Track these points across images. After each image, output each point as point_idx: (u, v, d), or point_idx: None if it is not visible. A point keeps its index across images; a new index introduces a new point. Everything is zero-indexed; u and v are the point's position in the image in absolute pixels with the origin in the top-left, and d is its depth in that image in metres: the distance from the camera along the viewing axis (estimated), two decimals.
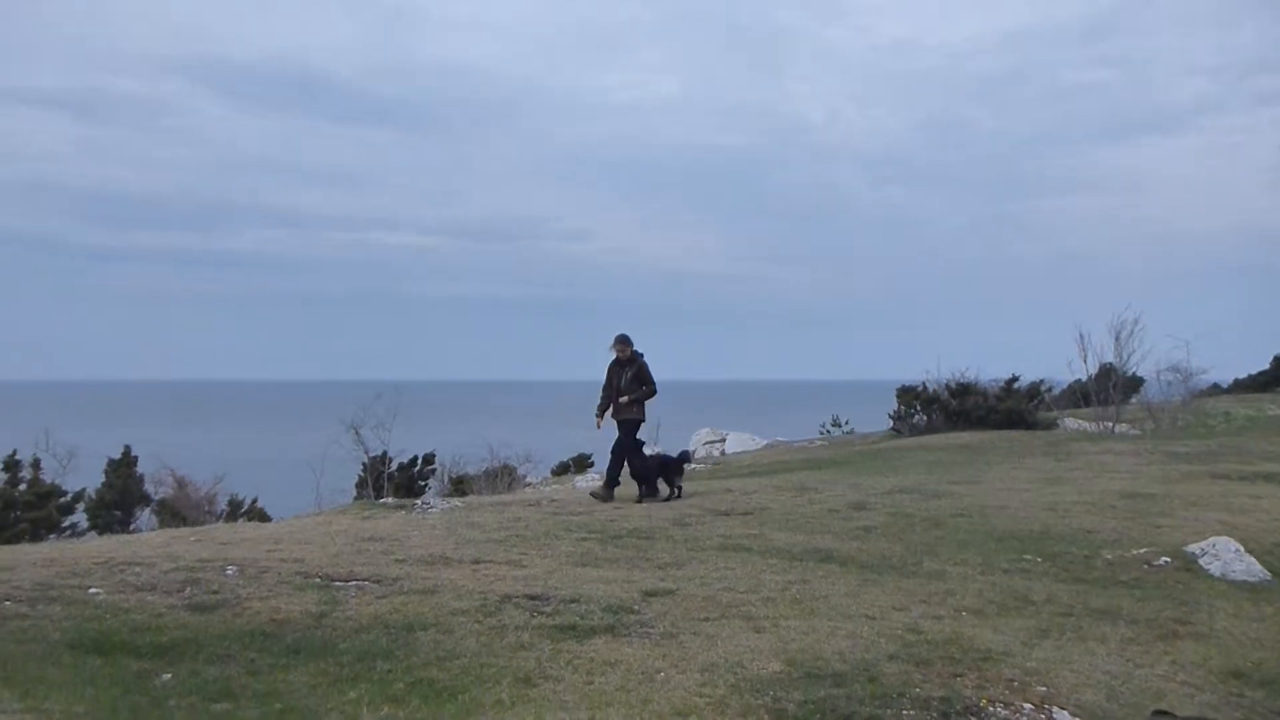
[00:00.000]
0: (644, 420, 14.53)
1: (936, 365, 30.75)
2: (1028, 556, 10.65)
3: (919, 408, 29.74)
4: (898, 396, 30.46)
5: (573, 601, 7.89)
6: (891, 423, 30.46)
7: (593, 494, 14.56)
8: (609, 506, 13.28)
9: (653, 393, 14.42)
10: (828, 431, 37.14)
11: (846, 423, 37.71)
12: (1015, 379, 30.47)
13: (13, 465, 20.86)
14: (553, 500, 14.46)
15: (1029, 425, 27.85)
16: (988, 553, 10.77)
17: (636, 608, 7.87)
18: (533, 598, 7.96)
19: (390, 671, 6.40)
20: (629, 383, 14.29)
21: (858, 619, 7.88)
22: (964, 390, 29.11)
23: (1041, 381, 31.22)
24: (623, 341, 14.47)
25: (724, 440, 33.55)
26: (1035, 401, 30.00)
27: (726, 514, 12.74)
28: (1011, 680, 6.63)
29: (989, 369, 31.24)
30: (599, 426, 14.64)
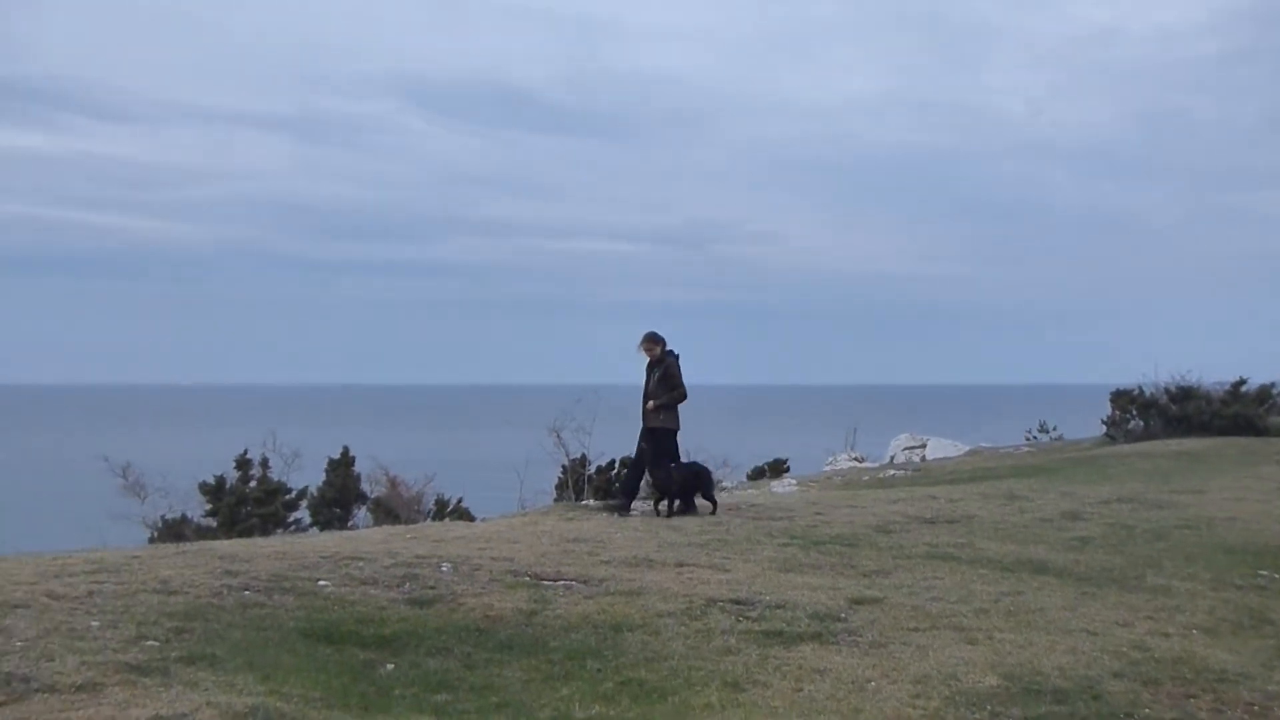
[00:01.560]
0: (676, 429, 12.94)
1: (1153, 368, 29.10)
2: (1263, 572, 9.97)
3: (1135, 413, 28.24)
4: (1112, 401, 28.99)
5: (778, 607, 7.84)
6: (1105, 428, 29.03)
7: (606, 507, 13.29)
8: (810, 512, 13.13)
9: (682, 397, 12.81)
10: (1035, 437, 35.70)
11: (1055, 428, 36.16)
12: (1243, 382, 28.54)
13: (244, 464, 22.25)
14: (751, 505, 14.40)
15: (1259, 431, 26.05)
16: (1218, 567, 10.13)
17: (843, 615, 7.75)
18: (738, 602, 7.94)
19: (600, 670, 6.51)
20: (656, 386, 12.74)
21: (1078, 634, 7.54)
22: (1185, 394, 27.46)
23: (1273, 385, 29.13)
24: (651, 340, 12.93)
25: (924, 446, 32.71)
26: (1266, 406, 28.02)
27: (931, 522, 12.41)
28: (1251, 704, 6.21)
29: (1210, 371, 29.33)
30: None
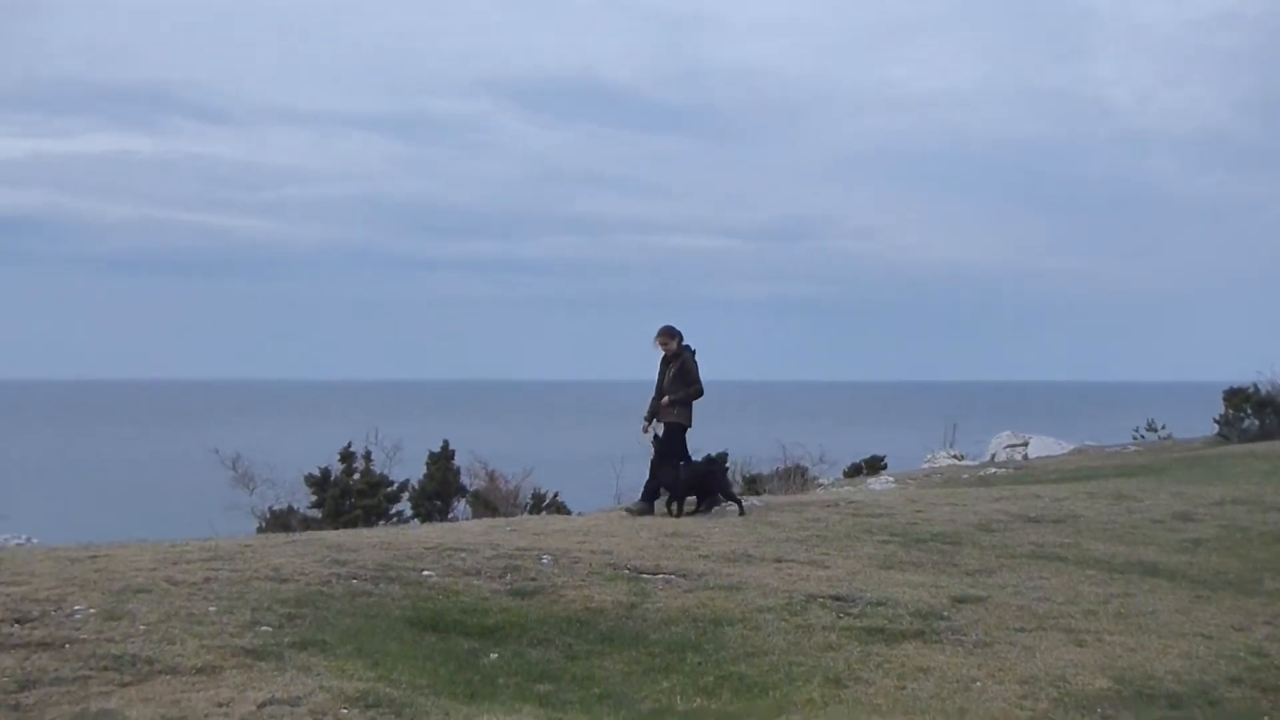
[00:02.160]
0: (688, 425, 12.53)
1: (1269, 365, 28.04)
2: None
3: (1250, 411, 27.26)
4: (1225, 399, 28.03)
5: (879, 604, 7.76)
6: (1217, 427, 28.08)
7: (628, 509, 12.77)
8: (910, 509, 12.96)
9: (698, 393, 12.44)
10: (1141, 436, 34.70)
11: (1163, 427, 35.13)
12: None
13: (348, 457, 22.75)
14: (850, 501, 14.25)
15: None
16: None
17: (946, 614, 7.65)
18: (838, 598, 7.89)
19: (700, 664, 6.53)
20: (671, 382, 12.34)
21: (1191, 638, 7.33)
22: None
23: None
24: (666, 334, 12.51)
25: (1026, 444, 32.04)
26: None
27: (1036, 521, 12.16)
28: None
29: None
30: (645, 431, 12.65)
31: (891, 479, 24.53)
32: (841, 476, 29.89)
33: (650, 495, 12.57)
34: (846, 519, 11.77)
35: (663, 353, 12.53)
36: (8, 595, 6.30)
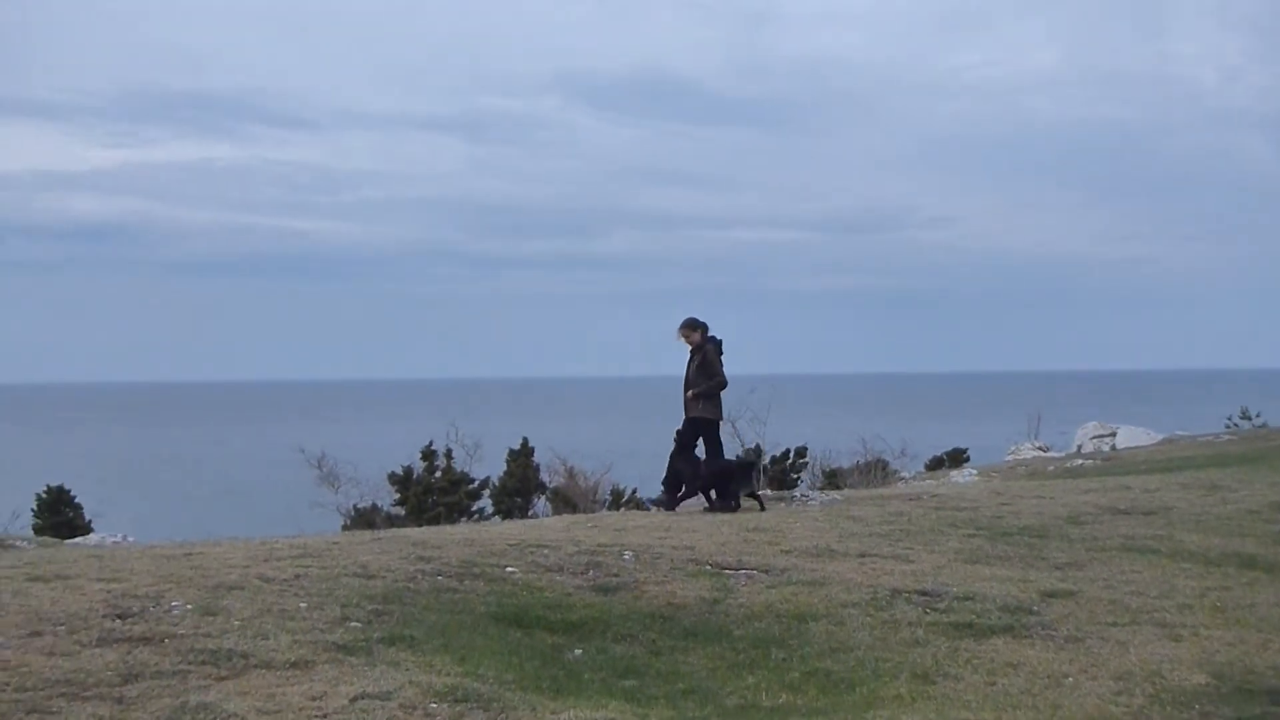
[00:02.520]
0: (717, 419, 12.41)
1: None
2: None
3: None
4: None
5: (966, 599, 7.65)
6: None
7: (654, 502, 12.60)
8: (995, 502, 12.76)
9: (721, 385, 12.25)
10: (1235, 425, 33.80)
11: (1257, 415, 34.15)
12: None
13: (429, 455, 23.11)
14: (933, 495, 14.07)
15: None
16: None
17: (1035, 608, 7.51)
18: (924, 593, 7.79)
19: (785, 660, 6.49)
20: (696, 374, 12.19)
21: None
22: None
23: None
24: (690, 326, 12.32)
25: (1114, 435, 31.35)
26: None
27: (1126, 513, 11.88)
28: None
29: None
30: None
31: (974, 472, 24.15)
32: (923, 470, 29.54)
33: (672, 488, 12.36)
34: (930, 513, 11.62)
35: (688, 346, 12.35)
36: (109, 591, 6.50)
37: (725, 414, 12.58)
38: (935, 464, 30.51)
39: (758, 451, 12.49)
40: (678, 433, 12.29)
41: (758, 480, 12.33)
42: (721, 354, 12.41)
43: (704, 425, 12.27)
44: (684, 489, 12.21)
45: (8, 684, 4.93)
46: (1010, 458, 29.52)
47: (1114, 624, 7.20)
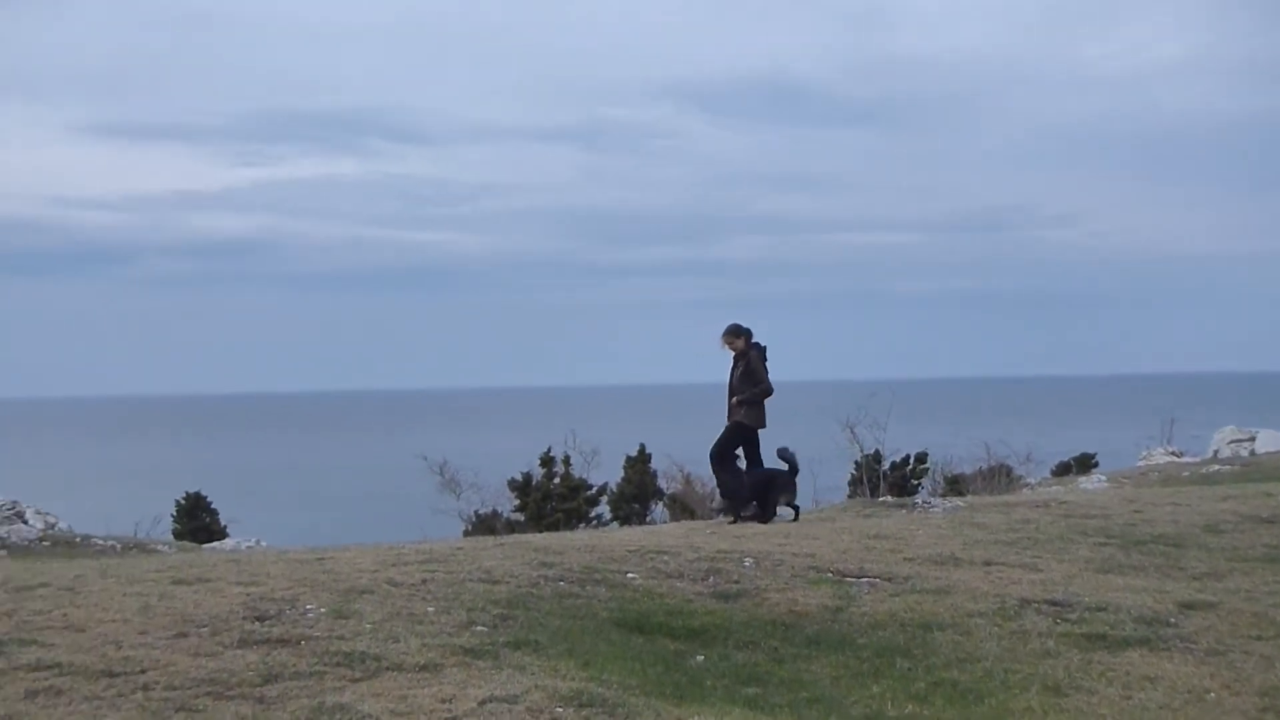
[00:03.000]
0: (758, 426, 12.05)
1: None
2: None
3: None
4: None
5: (1099, 610, 7.43)
6: None
7: (715, 507, 12.46)
8: (1127, 509, 12.35)
9: (766, 392, 11.95)
10: None
11: None
12: None
13: (548, 461, 23.41)
14: (1061, 502, 13.69)
15: None
16: None
17: (1173, 620, 7.25)
18: (1054, 603, 7.59)
19: (910, 670, 6.40)
20: (740, 381, 11.97)
21: None
22: None
23: None
24: (731, 334, 12.09)
25: (1253, 439, 30.01)
26: None
27: (1269, 521, 11.38)
28: None
29: None
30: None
31: (1104, 478, 23.39)
32: (1049, 476, 28.77)
33: (733, 496, 12.23)
34: (1058, 520, 11.32)
35: (731, 353, 12.14)
36: (248, 595, 6.75)
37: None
38: (1062, 470, 29.70)
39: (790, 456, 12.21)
40: (718, 442, 12.12)
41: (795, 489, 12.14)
42: (766, 361, 12.21)
43: (744, 432, 12.09)
44: (726, 499, 12.03)
45: (158, 682, 5.16)
46: (1141, 463, 28.52)
47: (1258, 637, 6.91)
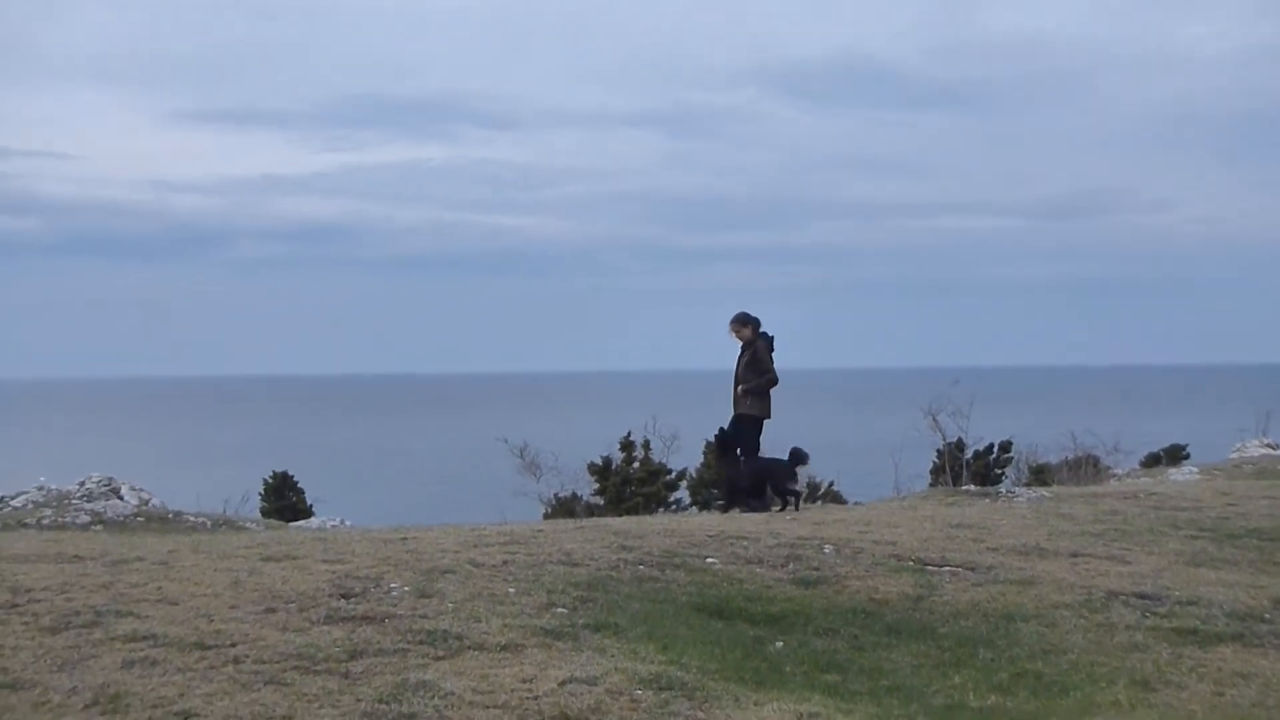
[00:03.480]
0: (763, 416, 12.03)
1: None
2: None
3: None
4: None
5: (1190, 604, 7.26)
6: None
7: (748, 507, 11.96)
8: (1220, 502, 12.02)
9: (771, 382, 11.94)
10: None
11: None
12: None
13: (627, 446, 23.42)
14: (1151, 494, 13.38)
15: None
16: None
17: (1268, 616, 7.06)
18: (1142, 596, 7.44)
19: (993, 660, 6.32)
20: (745, 370, 11.94)
21: None
22: None
23: None
24: (740, 322, 12.07)
25: None
26: None
27: None
28: None
29: None
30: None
31: (1195, 470, 22.75)
32: (1137, 467, 28.08)
33: (757, 491, 12.05)
34: (1148, 512, 11.07)
35: (739, 342, 12.13)
36: (333, 572, 6.89)
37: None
38: (1151, 461, 28.97)
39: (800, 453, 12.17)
40: (721, 431, 12.14)
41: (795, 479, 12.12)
42: (773, 350, 12.15)
43: (749, 423, 12.03)
44: (735, 493, 11.98)
45: (247, 655, 5.30)
46: (1235, 455, 27.67)
47: None
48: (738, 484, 12.00)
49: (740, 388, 12.02)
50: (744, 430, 12.05)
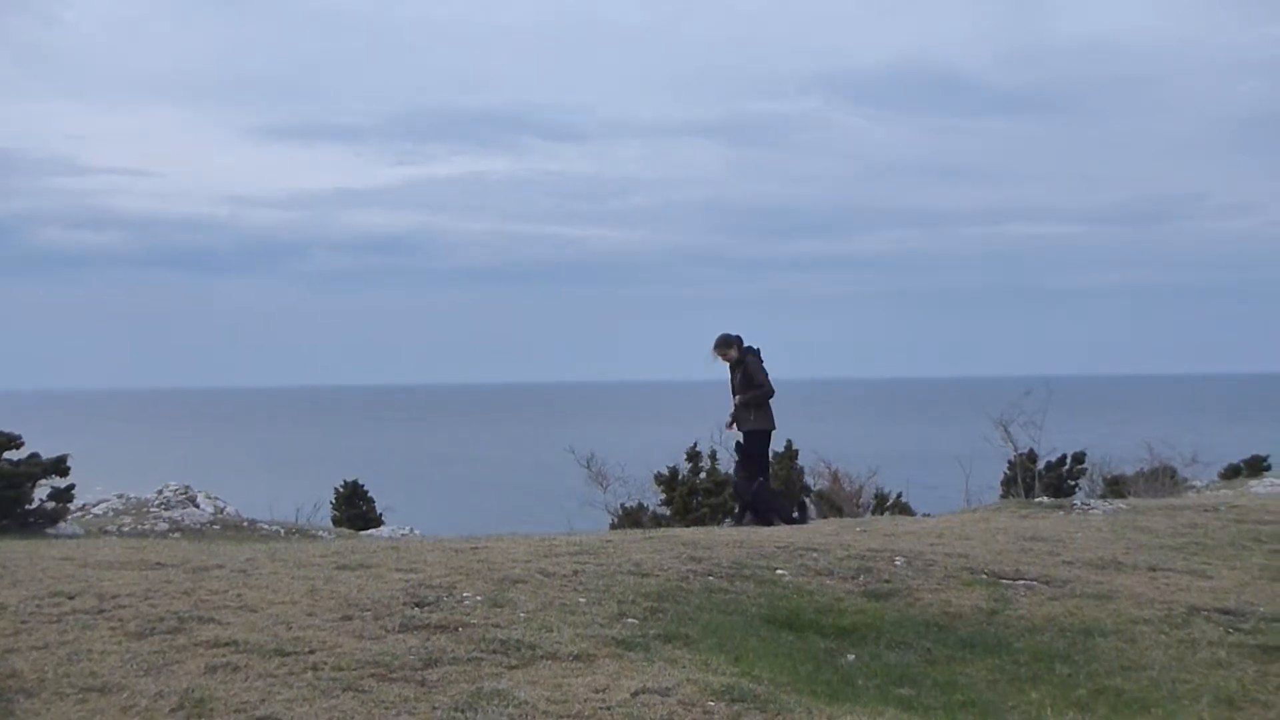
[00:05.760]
0: (769, 428, 12.25)
1: None
2: None
3: None
4: None
5: (1275, 620, 7.08)
6: None
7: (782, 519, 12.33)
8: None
9: (767, 394, 12.14)
10: None
11: None
12: None
13: (694, 456, 23.39)
14: (1232, 506, 13.06)
15: None
16: None
17: None
18: (1225, 612, 7.27)
19: (1070, 676, 6.21)
20: (740, 386, 12.18)
21: None
22: None
23: None
24: (723, 345, 12.32)
25: None
26: None
27: None
28: None
29: None
30: (729, 428, 12.61)
31: (1277, 481, 22.20)
32: (1216, 479, 27.43)
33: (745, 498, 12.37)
34: (1229, 525, 10.81)
35: (726, 364, 12.34)
36: (407, 581, 6.98)
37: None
38: (1231, 472, 28.27)
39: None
40: (738, 445, 12.38)
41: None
42: (762, 362, 12.27)
43: (759, 438, 12.21)
44: (742, 503, 12.21)
45: (326, 663, 5.39)
46: None
47: None
48: (743, 497, 12.27)
49: (739, 397, 12.23)
50: (752, 445, 12.28)
